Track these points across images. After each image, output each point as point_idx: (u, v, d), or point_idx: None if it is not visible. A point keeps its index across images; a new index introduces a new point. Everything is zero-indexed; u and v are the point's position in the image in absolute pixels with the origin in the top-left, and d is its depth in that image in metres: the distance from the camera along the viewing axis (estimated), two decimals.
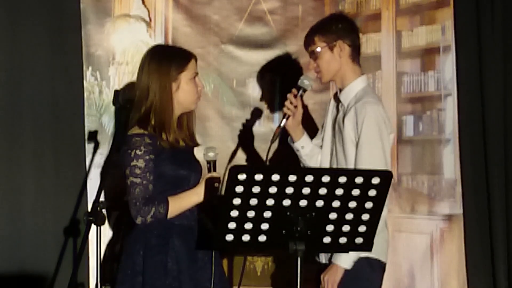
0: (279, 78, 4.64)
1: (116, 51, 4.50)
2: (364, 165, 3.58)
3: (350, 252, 3.55)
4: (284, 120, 3.74)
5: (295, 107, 3.73)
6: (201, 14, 4.59)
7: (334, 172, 2.96)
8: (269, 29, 4.63)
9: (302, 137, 3.83)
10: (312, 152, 3.84)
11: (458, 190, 4.64)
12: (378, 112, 3.64)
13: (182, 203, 3.48)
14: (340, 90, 3.76)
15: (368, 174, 2.97)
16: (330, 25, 3.73)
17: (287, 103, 3.73)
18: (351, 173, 2.97)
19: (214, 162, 3.49)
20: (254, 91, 4.65)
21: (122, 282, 3.45)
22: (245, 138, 4.59)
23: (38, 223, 4.33)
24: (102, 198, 3.49)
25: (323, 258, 3.78)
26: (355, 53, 3.74)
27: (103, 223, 3.40)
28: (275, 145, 4.55)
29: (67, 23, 4.41)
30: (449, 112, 4.67)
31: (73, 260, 4.31)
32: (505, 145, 4.63)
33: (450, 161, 4.65)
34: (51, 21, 4.38)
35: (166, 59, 3.53)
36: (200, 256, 3.51)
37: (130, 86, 4.34)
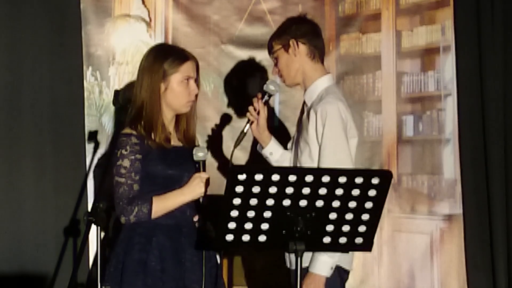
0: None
1: (116, 51, 4.50)
2: (328, 163, 3.51)
3: (323, 258, 3.51)
4: (248, 125, 3.67)
5: (258, 113, 3.67)
6: (201, 14, 4.59)
7: (334, 172, 2.96)
8: (269, 29, 4.63)
9: (269, 143, 3.77)
10: (282, 158, 3.78)
11: (458, 190, 4.64)
12: (339, 112, 3.56)
13: (167, 203, 3.46)
14: (305, 91, 3.71)
15: (368, 174, 2.98)
16: (284, 27, 3.70)
17: (250, 108, 3.67)
18: (351, 173, 2.97)
19: (204, 162, 3.46)
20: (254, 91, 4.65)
21: (107, 280, 3.45)
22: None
23: (38, 223, 4.33)
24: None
25: (288, 263, 3.70)
26: (314, 52, 3.67)
27: (103, 223, 3.40)
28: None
29: (67, 23, 4.41)
30: (449, 112, 4.67)
31: (73, 260, 4.31)
32: (505, 145, 4.63)
33: (450, 161, 4.66)
34: (51, 21, 4.38)
35: (160, 59, 3.51)
36: (188, 257, 3.48)
37: (130, 86, 4.34)
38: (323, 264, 3.53)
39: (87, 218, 3.33)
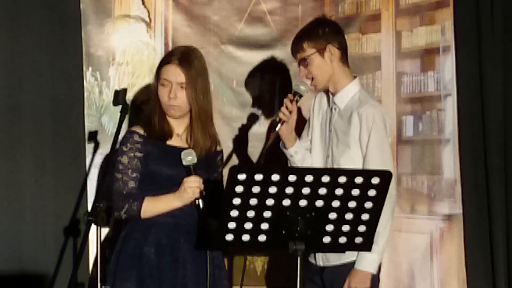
0: (278, 79, 4.64)
1: (116, 51, 4.50)
2: (375, 167, 3.55)
3: (371, 256, 3.56)
4: (279, 125, 3.70)
5: (290, 112, 3.69)
6: (201, 15, 4.59)
7: (334, 172, 2.97)
8: (269, 29, 4.64)
9: (295, 143, 3.79)
10: (303, 157, 3.82)
11: (457, 190, 4.64)
12: (382, 115, 3.66)
13: (157, 205, 3.47)
14: (333, 94, 3.74)
15: (367, 174, 2.98)
16: (316, 29, 3.70)
17: (283, 108, 3.69)
18: (351, 173, 2.98)
19: (194, 165, 3.45)
20: (254, 91, 4.65)
21: (107, 276, 3.46)
22: (240, 142, 4.58)
23: (38, 223, 4.33)
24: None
25: (320, 260, 3.75)
26: (345, 56, 3.72)
27: (103, 223, 3.40)
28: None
29: (67, 24, 4.41)
30: (449, 112, 4.67)
31: (73, 260, 4.31)
32: (505, 145, 4.63)
33: (449, 161, 4.66)
34: (51, 21, 4.38)
35: (161, 60, 3.59)
36: (187, 256, 3.49)
37: (130, 86, 4.36)
38: (371, 261, 3.59)
39: (87, 218, 3.33)
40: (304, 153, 3.82)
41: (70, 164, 4.38)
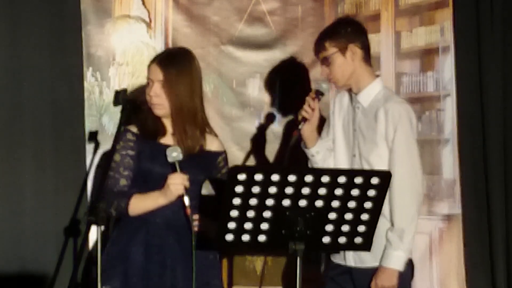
0: (279, 79, 4.65)
1: (116, 51, 4.50)
2: (401, 165, 3.59)
3: (398, 253, 3.56)
4: (302, 123, 3.69)
5: (313, 110, 3.69)
6: (201, 15, 4.60)
7: (334, 172, 2.97)
8: (269, 29, 4.64)
9: (317, 143, 3.78)
10: (324, 157, 3.80)
11: (457, 190, 4.65)
12: (407, 112, 3.66)
13: (145, 202, 3.47)
14: (355, 93, 3.74)
15: (367, 174, 2.99)
16: (339, 29, 3.71)
17: (305, 106, 3.68)
18: (351, 173, 2.98)
19: (179, 162, 3.44)
20: (254, 91, 4.65)
21: (93, 276, 3.47)
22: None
23: (38, 223, 4.33)
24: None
25: (351, 261, 3.72)
26: (367, 55, 3.73)
27: (103, 223, 3.40)
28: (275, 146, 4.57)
29: (67, 24, 4.41)
30: (448, 113, 4.68)
31: (73, 260, 4.31)
32: (504, 145, 4.64)
33: (449, 161, 4.66)
34: (51, 21, 4.38)
35: None
36: (177, 256, 3.48)
37: (130, 87, 4.36)
38: (397, 258, 3.59)
39: (87, 218, 3.34)
40: (325, 153, 3.80)
41: (70, 164, 4.38)
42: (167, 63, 3.54)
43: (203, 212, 3.56)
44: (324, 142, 3.82)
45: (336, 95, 3.92)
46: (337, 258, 3.76)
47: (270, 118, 4.61)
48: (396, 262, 3.59)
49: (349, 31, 3.70)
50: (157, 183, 3.46)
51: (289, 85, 4.61)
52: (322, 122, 3.89)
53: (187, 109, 3.54)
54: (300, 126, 3.69)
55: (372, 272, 3.64)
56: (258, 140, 4.59)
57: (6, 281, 4.26)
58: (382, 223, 3.59)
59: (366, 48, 3.73)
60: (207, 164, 3.61)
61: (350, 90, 3.78)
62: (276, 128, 4.65)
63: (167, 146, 3.50)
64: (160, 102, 3.52)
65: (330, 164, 3.78)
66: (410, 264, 3.69)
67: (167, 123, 3.58)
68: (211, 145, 3.64)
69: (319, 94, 3.70)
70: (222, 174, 3.66)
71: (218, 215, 2.98)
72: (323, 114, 3.85)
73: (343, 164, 3.75)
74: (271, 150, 4.62)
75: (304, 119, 3.69)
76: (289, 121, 4.57)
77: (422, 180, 3.69)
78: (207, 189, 3.52)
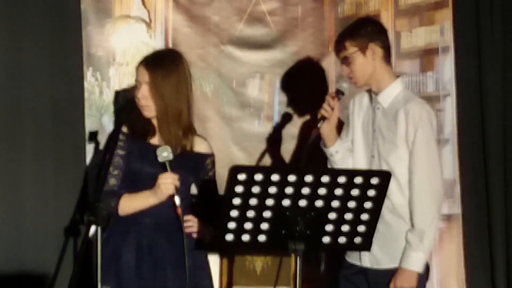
0: (279, 79, 4.65)
1: (117, 52, 4.50)
2: (422, 167, 3.58)
3: (418, 255, 3.56)
4: (321, 122, 3.69)
5: (332, 109, 3.68)
6: (201, 15, 4.60)
7: (334, 172, 2.98)
8: (269, 30, 4.64)
9: (336, 142, 3.77)
10: (343, 157, 3.79)
11: (457, 190, 4.65)
12: (428, 113, 3.65)
13: (135, 202, 3.48)
14: (375, 93, 3.73)
15: (367, 174, 2.99)
16: (359, 28, 3.71)
17: (324, 105, 3.69)
18: (351, 173, 2.99)
19: (170, 162, 3.44)
20: (254, 91, 4.65)
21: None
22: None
23: (38, 223, 4.33)
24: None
25: (367, 262, 3.71)
26: (387, 55, 3.72)
27: (103, 223, 3.40)
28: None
29: (67, 24, 4.41)
30: (448, 113, 4.68)
31: (73, 260, 4.31)
32: (504, 145, 4.64)
33: (449, 161, 4.66)
34: (51, 22, 4.38)
35: None
36: (167, 256, 3.48)
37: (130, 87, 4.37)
38: (417, 260, 3.58)
39: (87, 218, 3.34)
40: (344, 153, 3.79)
41: (70, 164, 4.38)
42: (154, 65, 3.56)
43: (193, 213, 3.57)
44: (343, 143, 3.81)
45: (355, 96, 3.90)
46: (352, 258, 3.76)
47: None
48: (415, 264, 3.58)
49: (370, 30, 3.70)
50: (147, 183, 3.47)
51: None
52: (340, 124, 3.89)
53: (172, 110, 3.55)
54: (319, 125, 3.70)
55: (387, 274, 3.64)
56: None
57: (6, 281, 4.26)
58: (400, 225, 3.61)
59: (386, 47, 3.72)
60: (195, 165, 3.62)
61: (369, 91, 3.77)
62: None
63: (157, 146, 3.50)
64: (147, 104, 3.55)
65: (349, 164, 3.77)
66: (425, 266, 3.68)
67: (155, 123, 3.59)
68: (200, 147, 3.65)
69: (339, 93, 3.71)
70: (209, 177, 3.68)
71: (209, 216, 2.99)
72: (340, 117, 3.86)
73: (362, 165, 3.74)
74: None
75: (323, 118, 3.69)
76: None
77: (442, 181, 3.68)
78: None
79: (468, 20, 4.65)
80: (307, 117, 4.57)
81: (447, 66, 4.67)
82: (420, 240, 3.56)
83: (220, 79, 4.62)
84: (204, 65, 4.53)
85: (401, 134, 3.63)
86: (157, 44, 4.48)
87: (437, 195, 3.61)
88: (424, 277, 3.69)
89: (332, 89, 4.54)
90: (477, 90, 4.65)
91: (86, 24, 4.45)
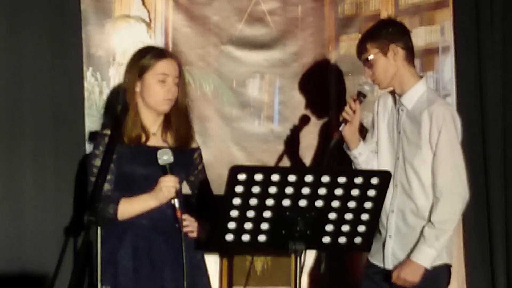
0: (279, 79, 4.66)
1: (117, 51, 4.50)
2: (445, 168, 3.57)
3: (428, 250, 3.55)
4: (343, 125, 3.68)
5: (354, 112, 3.67)
6: (201, 15, 4.60)
7: (334, 172, 2.98)
8: (269, 29, 4.64)
9: (359, 145, 3.76)
10: (367, 158, 3.78)
11: None
12: (451, 114, 3.64)
13: (134, 205, 3.45)
14: (399, 95, 3.71)
15: (367, 174, 2.99)
16: (380, 30, 3.70)
17: (346, 108, 3.68)
18: (351, 173, 2.99)
19: (170, 165, 3.41)
20: (254, 91, 4.65)
21: (84, 280, 3.48)
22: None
23: (38, 223, 4.33)
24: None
25: (389, 264, 3.69)
26: (410, 55, 3.70)
27: (104, 224, 3.39)
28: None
29: (67, 24, 4.41)
30: None
31: (73, 260, 4.31)
32: (504, 146, 4.64)
33: None
34: (51, 22, 4.38)
35: (137, 58, 3.55)
36: (165, 258, 3.47)
37: None
38: (428, 256, 3.56)
39: (87, 218, 3.33)
40: (369, 155, 3.78)
41: (70, 164, 4.38)
42: (179, 59, 3.56)
43: (186, 208, 3.56)
44: (368, 145, 3.80)
45: (379, 97, 3.88)
46: (374, 259, 3.75)
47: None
48: (425, 259, 3.56)
49: (391, 32, 3.68)
50: (140, 185, 3.44)
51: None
52: (361, 127, 3.88)
53: (184, 104, 3.57)
54: (340, 128, 3.69)
55: None
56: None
57: (6, 281, 4.26)
58: (421, 226, 3.60)
59: (409, 48, 3.70)
60: (185, 161, 3.60)
61: (393, 92, 3.76)
62: (276, 128, 4.65)
63: (149, 147, 3.48)
64: (173, 98, 3.52)
65: (373, 166, 3.76)
66: (447, 270, 3.68)
67: (148, 123, 3.54)
68: None
69: (361, 96, 3.70)
70: (198, 171, 3.66)
71: (203, 210, 2.98)
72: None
73: (387, 166, 3.71)
74: (271, 150, 4.61)
75: (345, 121, 3.68)
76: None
77: (467, 182, 3.66)
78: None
79: (468, 20, 4.65)
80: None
81: (447, 66, 4.67)
82: (436, 238, 3.55)
83: (220, 79, 4.62)
84: (204, 65, 4.54)
85: (425, 135, 3.61)
86: (157, 44, 4.48)
87: (460, 197, 3.59)
88: (445, 280, 3.67)
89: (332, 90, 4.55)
90: (477, 89, 4.65)
91: (86, 24, 4.45)
